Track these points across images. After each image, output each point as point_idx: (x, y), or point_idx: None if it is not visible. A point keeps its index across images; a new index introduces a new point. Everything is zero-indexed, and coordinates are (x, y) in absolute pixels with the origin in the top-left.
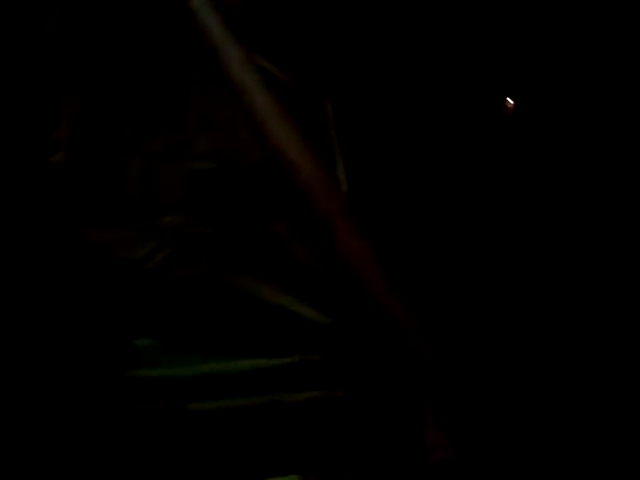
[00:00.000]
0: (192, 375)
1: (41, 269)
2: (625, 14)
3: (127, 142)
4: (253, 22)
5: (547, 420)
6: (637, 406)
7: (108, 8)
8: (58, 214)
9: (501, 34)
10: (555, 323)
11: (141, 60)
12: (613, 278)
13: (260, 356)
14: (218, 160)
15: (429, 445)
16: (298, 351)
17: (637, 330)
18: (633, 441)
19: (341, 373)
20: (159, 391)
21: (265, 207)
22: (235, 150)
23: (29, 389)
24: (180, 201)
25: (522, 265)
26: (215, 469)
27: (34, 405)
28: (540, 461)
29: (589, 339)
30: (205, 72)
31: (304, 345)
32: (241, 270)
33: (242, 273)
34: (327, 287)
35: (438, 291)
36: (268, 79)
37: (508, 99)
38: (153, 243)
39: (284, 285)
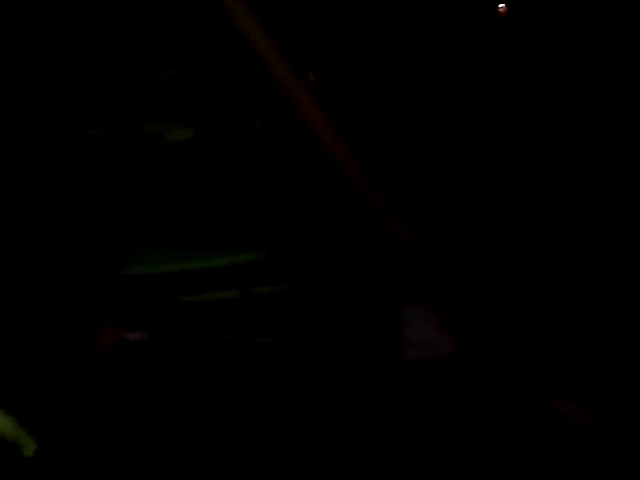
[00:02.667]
0: (176, 272)
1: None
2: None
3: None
4: None
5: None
6: None
7: None
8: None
9: None
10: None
11: None
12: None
13: (233, 253)
14: (186, 68)
15: (408, 344)
16: (267, 249)
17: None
18: None
19: (304, 268)
20: (147, 286)
21: (237, 109)
22: (202, 59)
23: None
24: (158, 107)
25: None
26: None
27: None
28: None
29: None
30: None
31: (272, 244)
32: (217, 172)
33: (218, 175)
34: (297, 187)
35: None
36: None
37: (501, 5)
38: (138, 149)
39: (256, 188)
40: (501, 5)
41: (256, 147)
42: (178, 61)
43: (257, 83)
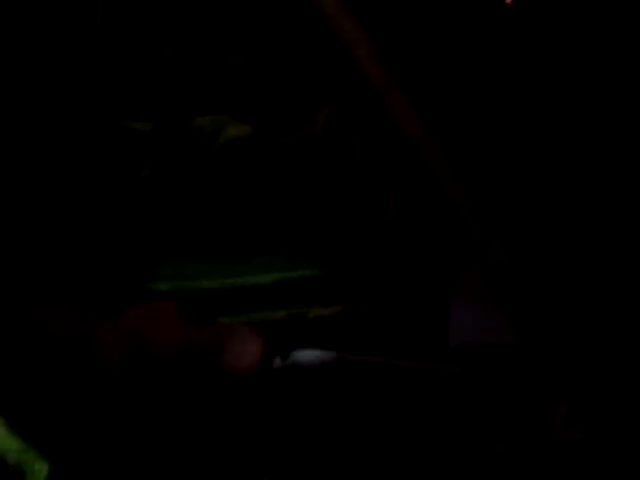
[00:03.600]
0: (214, 289)
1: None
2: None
3: (163, 36)
4: None
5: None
6: None
7: None
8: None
9: None
10: None
11: None
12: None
13: (282, 269)
14: (249, 54)
15: (453, 328)
16: (317, 266)
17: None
18: None
19: (358, 287)
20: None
21: (299, 106)
22: (266, 46)
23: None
24: (215, 98)
25: None
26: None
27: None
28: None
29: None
30: None
31: (327, 259)
32: (273, 177)
33: (270, 180)
34: (353, 197)
35: None
36: None
37: None
38: (186, 144)
39: (313, 196)
40: None
41: (317, 151)
42: (245, 47)
43: (329, 79)
